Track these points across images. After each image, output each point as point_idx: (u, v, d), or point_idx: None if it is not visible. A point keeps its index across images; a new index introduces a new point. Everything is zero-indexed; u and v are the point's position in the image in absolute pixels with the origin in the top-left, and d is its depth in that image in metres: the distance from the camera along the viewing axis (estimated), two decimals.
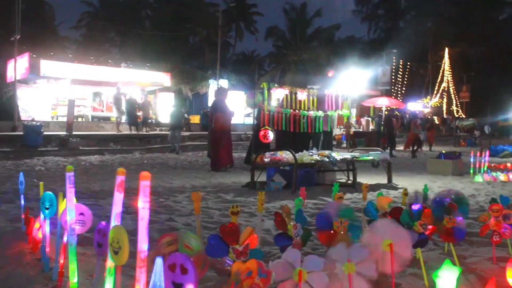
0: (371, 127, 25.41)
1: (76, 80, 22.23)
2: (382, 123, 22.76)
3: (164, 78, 25.71)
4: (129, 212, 5.26)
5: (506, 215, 3.39)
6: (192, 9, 39.05)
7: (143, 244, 1.59)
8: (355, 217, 2.90)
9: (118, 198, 1.83)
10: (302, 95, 8.36)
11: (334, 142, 23.30)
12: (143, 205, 1.60)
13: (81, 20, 43.21)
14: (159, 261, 1.43)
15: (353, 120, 26.88)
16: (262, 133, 7.64)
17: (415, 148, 18.48)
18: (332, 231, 2.83)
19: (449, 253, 3.43)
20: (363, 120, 26.76)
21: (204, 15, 40.09)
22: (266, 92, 7.78)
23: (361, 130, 25.73)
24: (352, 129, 24.72)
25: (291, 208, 3.52)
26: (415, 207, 3.03)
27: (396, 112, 32.41)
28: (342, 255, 2.46)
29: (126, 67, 24.88)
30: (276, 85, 8.27)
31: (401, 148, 22.30)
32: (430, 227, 3.00)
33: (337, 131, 23.23)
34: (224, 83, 29.34)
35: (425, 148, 22.19)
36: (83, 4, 42.47)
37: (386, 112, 20.78)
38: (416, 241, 2.90)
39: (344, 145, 23.28)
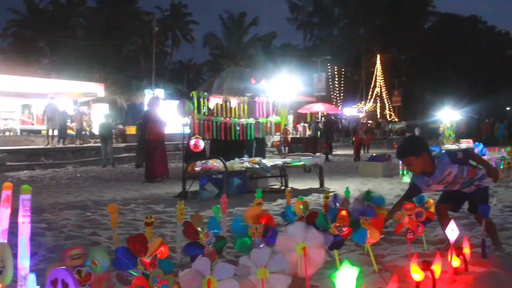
0: (308, 132, 25.88)
1: (3, 92, 21.18)
2: (322, 127, 23.24)
3: (97, 88, 25.03)
4: (52, 228, 5.05)
5: (419, 213, 3.51)
6: (126, 17, 38.32)
7: (24, 261, 1.50)
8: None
9: (4, 214, 1.71)
10: (233, 103, 8.37)
11: (274, 149, 23.59)
12: (23, 220, 1.51)
13: (7, 28, 41.21)
14: (31, 277, 1.35)
15: (290, 126, 27.28)
16: (192, 142, 7.57)
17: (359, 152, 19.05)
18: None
19: (369, 253, 3.50)
20: (300, 126, 27.23)
21: (138, 23, 39.47)
22: (196, 100, 7.72)
23: (298, 136, 26.14)
24: (290, 135, 25.07)
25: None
26: (331, 210, 3.09)
27: (333, 118, 33.26)
28: (258, 260, 2.46)
29: (57, 78, 24.03)
30: (205, 93, 8.23)
31: (346, 152, 22.78)
32: (345, 229, 3.06)
33: (276, 138, 23.51)
34: (160, 92, 28.96)
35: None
36: (9, 11, 40.61)
37: (322, 118, 21.19)
38: (332, 243, 2.95)
39: (283, 151, 23.56)
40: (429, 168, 3.58)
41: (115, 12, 37.67)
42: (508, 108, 60.33)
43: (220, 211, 3.18)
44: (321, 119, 28.23)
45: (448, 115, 21.00)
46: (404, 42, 52.88)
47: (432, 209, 3.89)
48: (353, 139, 20.56)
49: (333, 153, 23.15)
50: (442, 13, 61.94)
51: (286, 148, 23.19)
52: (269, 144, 23.35)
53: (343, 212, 3.06)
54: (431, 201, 3.98)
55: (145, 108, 14.20)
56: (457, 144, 17.84)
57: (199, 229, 2.67)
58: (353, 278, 1.96)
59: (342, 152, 24.93)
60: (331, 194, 4.29)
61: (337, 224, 2.98)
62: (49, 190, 9.48)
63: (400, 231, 3.56)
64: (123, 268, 2.22)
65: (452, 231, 3.05)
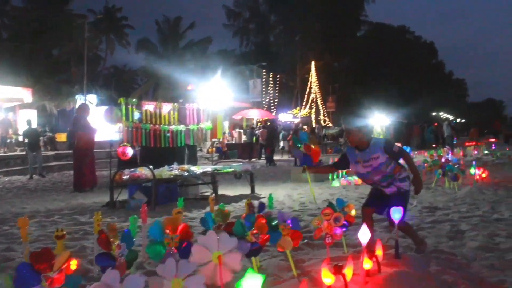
0: (244, 138, 25.99)
1: None
2: (256, 133, 23.43)
3: (24, 93, 23.92)
4: None
5: (337, 218, 3.61)
6: (57, 19, 36.86)
7: None
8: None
9: None
10: (163, 110, 8.26)
11: (210, 155, 23.48)
12: None
13: None
14: None
15: (226, 132, 27.29)
16: (120, 150, 7.38)
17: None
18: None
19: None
20: (235, 132, 27.28)
21: (70, 26, 38.07)
22: (124, 107, 7.55)
23: (233, 142, 26.18)
24: (225, 141, 25.08)
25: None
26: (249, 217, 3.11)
27: (269, 123, 33.57)
28: (169, 271, 2.43)
29: None
30: (134, 100, 8.06)
31: (280, 158, 23.01)
32: (264, 236, 3.08)
33: (208, 144, 23.40)
34: (92, 98, 28.10)
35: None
36: None
37: (258, 124, 21.43)
38: (249, 250, 2.97)
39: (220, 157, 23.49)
40: (364, 144, 3.81)
41: (45, 14, 36.13)
42: (434, 113, 63.60)
43: (137, 221, 3.12)
44: (256, 125, 28.44)
45: (379, 120, 21.75)
46: (338, 49, 54.47)
47: (352, 213, 4.02)
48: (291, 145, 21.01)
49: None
50: (374, 23, 64.44)
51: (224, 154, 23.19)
52: (204, 150, 23.24)
53: (262, 220, 3.08)
54: (351, 205, 4.11)
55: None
56: None
57: (117, 239, 2.60)
58: (258, 286, 1.97)
59: (276, 157, 25.21)
60: (257, 201, 4.33)
61: (254, 231, 3.00)
62: None
63: (319, 236, 3.64)
64: (25, 286, 2.12)
65: (363, 235, 3.15)
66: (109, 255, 2.53)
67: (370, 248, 3.23)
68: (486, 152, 18.68)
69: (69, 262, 2.26)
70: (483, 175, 9.68)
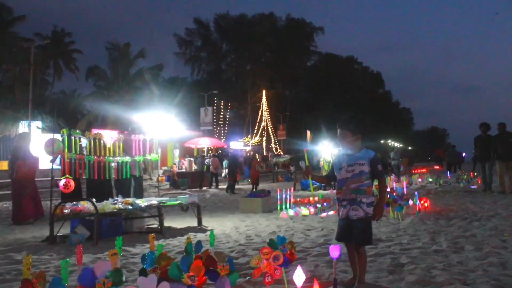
0: (194, 167, 25.81)
1: None
2: (207, 162, 23.33)
3: None
4: None
5: (276, 256, 3.61)
6: (1, 43, 35.79)
7: None
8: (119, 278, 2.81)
9: None
10: (107, 141, 8.10)
11: (160, 183, 23.13)
12: None
13: None
14: None
15: (176, 160, 27.02)
16: (62, 182, 7.15)
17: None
18: None
19: None
20: (186, 161, 27.08)
21: (16, 50, 37.02)
22: (66, 138, 7.36)
23: (184, 170, 25.95)
24: (176, 170, 24.81)
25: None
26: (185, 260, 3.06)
27: (219, 152, 33.54)
28: None
29: None
30: (78, 131, 7.87)
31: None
32: (199, 278, 3.04)
33: (161, 172, 23.09)
34: (37, 125, 27.25)
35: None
36: None
37: (209, 153, 21.48)
38: None
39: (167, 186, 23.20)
40: (354, 149, 3.95)
41: None
42: (382, 141, 65.49)
43: (69, 265, 3.00)
44: (207, 153, 28.34)
45: (327, 149, 22.12)
46: (289, 78, 55.63)
47: (293, 250, 4.02)
48: (250, 173, 21.59)
49: (220, 187, 23.32)
50: (323, 53, 66.35)
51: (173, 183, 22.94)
52: (154, 179, 22.90)
53: (197, 261, 3.04)
54: (292, 241, 4.12)
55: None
56: None
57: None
58: None
59: (225, 186, 25.14)
60: (193, 239, 4.26)
61: (191, 274, 2.95)
62: None
63: (258, 275, 3.62)
64: None
65: (298, 277, 3.16)
66: None
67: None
68: (430, 179, 19.36)
69: None
70: (426, 205, 10.01)
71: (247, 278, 4.31)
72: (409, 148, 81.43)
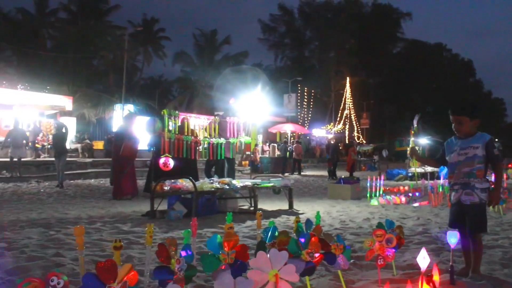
0: (277, 153, 25.96)
1: None
2: (290, 148, 23.42)
3: (65, 101, 24.53)
4: (13, 248, 4.85)
5: (389, 239, 3.54)
6: (98, 31, 37.91)
7: None
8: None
9: None
10: (204, 122, 8.33)
11: (242, 168, 23.54)
12: None
13: None
14: None
15: (260, 146, 27.33)
16: (162, 160, 7.45)
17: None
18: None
19: (340, 279, 3.49)
20: (268, 146, 27.30)
21: (110, 38, 39.10)
22: (166, 119, 7.64)
23: (267, 156, 26.19)
24: (259, 155, 25.11)
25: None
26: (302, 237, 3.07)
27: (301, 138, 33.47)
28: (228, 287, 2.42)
29: (23, 89, 23.44)
30: (177, 112, 8.15)
31: (315, 173, 22.93)
32: (317, 255, 3.04)
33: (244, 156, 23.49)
34: (129, 108, 28.66)
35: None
36: None
37: (291, 139, 21.58)
38: (304, 269, 2.93)
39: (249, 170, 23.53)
40: (471, 133, 3.78)
41: (87, 25, 37.23)
42: None
43: (190, 235, 3.12)
44: (290, 139, 28.39)
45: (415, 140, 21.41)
46: (373, 66, 54.16)
47: (402, 235, 3.92)
48: (346, 160, 21.65)
49: (303, 173, 23.32)
50: (410, 40, 63.81)
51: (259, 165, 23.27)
52: (237, 163, 23.33)
53: (315, 238, 3.04)
54: (401, 226, 4.02)
55: (115, 123, 13.83)
56: (424, 167, 18.17)
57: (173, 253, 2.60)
58: None
59: (311, 172, 25.09)
60: (301, 218, 4.28)
61: (309, 251, 2.96)
62: (10, 206, 9.17)
63: (371, 257, 3.57)
64: None
65: (423, 259, 3.07)
66: (168, 269, 2.52)
67: (427, 273, 3.14)
68: None
69: (130, 274, 2.27)
70: None
71: (352, 261, 4.25)
72: (500, 141, 76.66)
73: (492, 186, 3.82)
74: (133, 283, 2.26)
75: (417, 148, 17.12)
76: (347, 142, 37.05)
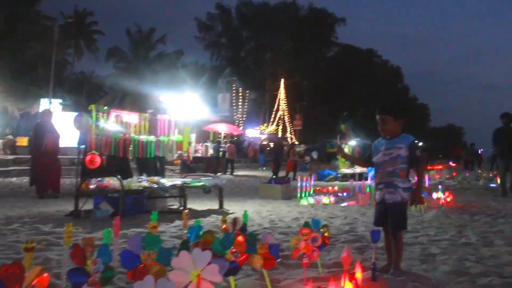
0: (210, 152, 25.83)
1: None
2: (223, 148, 23.35)
3: None
4: None
5: (314, 238, 3.57)
6: (25, 20, 35.95)
7: None
8: (159, 244, 2.80)
9: None
10: (133, 119, 8.10)
11: (175, 167, 23.19)
12: None
13: None
14: None
15: (193, 145, 27.07)
16: (88, 158, 7.17)
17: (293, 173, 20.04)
18: (141, 266, 2.67)
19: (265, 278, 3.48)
20: (201, 146, 27.11)
21: (39, 28, 37.21)
22: (94, 114, 7.35)
23: (200, 155, 25.99)
24: (192, 155, 24.86)
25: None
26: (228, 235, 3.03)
27: (235, 138, 33.56)
28: None
29: None
30: (106, 108, 7.87)
31: (247, 173, 22.99)
32: (242, 255, 3.01)
33: (175, 156, 23.14)
34: (57, 103, 27.45)
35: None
36: None
37: (224, 138, 21.50)
38: (227, 269, 2.88)
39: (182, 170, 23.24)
40: (395, 134, 3.91)
41: (14, 14, 35.21)
42: None
43: (112, 234, 2.99)
44: (223, 139, 28.35)
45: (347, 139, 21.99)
46: (308, 68, 55.23)
47: (327, 234, 3.98)
48: (286, 162, 21.70)
49: (235, 173, 23.34)
50: (343, 44, 65.69)
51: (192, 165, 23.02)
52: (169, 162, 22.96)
53: (240, 238, 3.01)
54: (327, 225, 4.08)
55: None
56: (353, 168, 18.72)
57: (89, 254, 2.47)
58: None
59: (243, 173, 25.17)
60: (229, 217, 4.23)
61: (233, 250, 2.92)
62: None
63: (296, 256, 3.59)
64: None
65: (346, 257, 3.12)
66: (83, 270, 2.39)
67: (349, 271, 3.19)
68: (447, 176, 19.17)
69: (40, 278, 2.13)
70: (448, 199, 9.87)
71: (278, 259, 4.26)
72: (424, 144, 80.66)
73: (415, 186, 3.97)
74: (43, 287, 2.12)
75: (344, 146, 17.55)
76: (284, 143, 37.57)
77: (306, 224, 3.75)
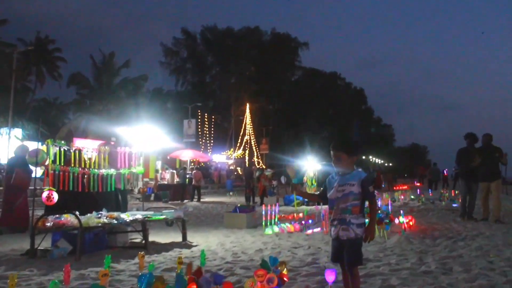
0: (176, 179, 25.56)
1: None
2: (189, 174, 23.16)
3: None
4: None
5: (270, 279, 3.54)
6: None
7: None
8: None
9: None
10: (92, 153, 7.95)
11: (140, 196, 22.83)
12: None
13: None
14: None
15: (159, 173, 26.78)
16: (45, 194, 6.96)
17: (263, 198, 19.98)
18: None
19: None
20: (167, 173, 26.83)
21: None
22: (51, 149, 7.18)
23: (166, 183, 25.69)
24: (157, 182, 24.56)
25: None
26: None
27: (202, 164, 33.37)
28: None
29: None
30: (63, 142, 7.70)
31: (214, 200, 22.79)
32: None
33: (141, 184, 22.84)
34: (18, 132, 26.77)
35: None
36: None
37: (191, 165, 21.40)
38: None
39: (152, 198, 22.91)
40: (348, 169, 3.95)
41: None
42: (363, 157, 65.97)
43: (58, 286, 2.88)
44: (189, 165, 28.12)
45: (311, 164, 22.16)
46: (273, 92, 55.83)
47: (285, 271, 3.97)
48: (258, 186, 21.51)
49: (202, 200, 23.13)
50: (307, 68, 66.80)
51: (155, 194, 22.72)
52: (136, 190, 22.62)
53: (192, 284, 2.96)
54: (284, 263, 4.06)
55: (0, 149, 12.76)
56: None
57: None
58: None
59: (210, 199, 24.96)
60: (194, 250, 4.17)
61: None
62: None
63: None
64: None
65: None
66: None
67: None
68: (412, 197, 19.48)
69: None
70: (411, 223, 10.01)
71: None
72: (389, 164, 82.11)
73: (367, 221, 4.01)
74: None
75: (312, 174, 17.55)
76: (253, 167, 37.53)
77: (263, 264, 3.72)
